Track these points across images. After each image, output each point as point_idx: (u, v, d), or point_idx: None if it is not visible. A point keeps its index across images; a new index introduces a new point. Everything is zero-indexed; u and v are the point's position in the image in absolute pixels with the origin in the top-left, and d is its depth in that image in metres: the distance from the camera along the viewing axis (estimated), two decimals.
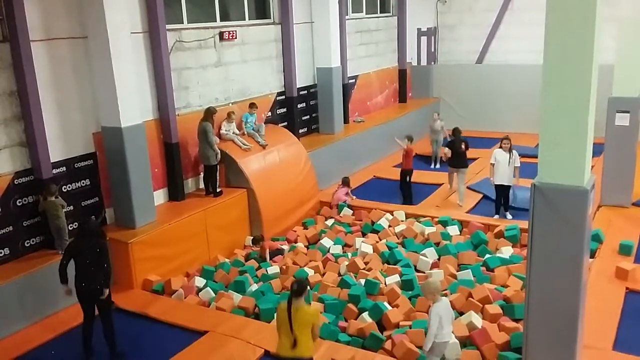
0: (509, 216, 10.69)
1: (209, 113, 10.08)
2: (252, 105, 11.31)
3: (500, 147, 10.55)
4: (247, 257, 9.85)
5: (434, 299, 5.91)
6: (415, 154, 13.43)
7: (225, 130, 10.80)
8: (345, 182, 11.95)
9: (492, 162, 10.61)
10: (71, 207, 8.58)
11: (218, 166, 10.22)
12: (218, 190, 10.22)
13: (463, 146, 11.57)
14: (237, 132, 11.03)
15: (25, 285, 7.54)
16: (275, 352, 5.57)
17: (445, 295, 7.84)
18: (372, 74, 16.89)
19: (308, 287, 5.77)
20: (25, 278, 7.56)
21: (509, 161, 10.38)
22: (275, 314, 5.60)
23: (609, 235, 9.45)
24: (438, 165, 14.36)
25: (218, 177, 10.29)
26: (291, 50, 12.74)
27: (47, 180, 8.01)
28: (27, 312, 7.58)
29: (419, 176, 13.23)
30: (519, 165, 10.47)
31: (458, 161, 11.62)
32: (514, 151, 10.48)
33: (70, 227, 8.56)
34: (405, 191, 11.97)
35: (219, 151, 10.11)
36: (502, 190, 10.64)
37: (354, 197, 11.87)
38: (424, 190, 12.45)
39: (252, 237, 10.19)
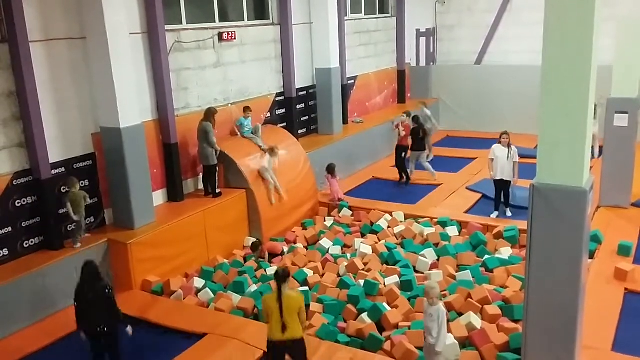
0: (509, 213, 10.65)
1: (210, 113, 10.09)
2: (247, 109, 11.24)
3: (499, 142, 10.52)
4: (246, 259, 9.84)
5: (433, 303, 5.86)
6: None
7: (266, 166, 10.57)
8: (332, 168, 11.97)
9: (491, 157, 10.58)
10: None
11: (217, 167, 10.21)
12: (217, 191, 10.21)
13: (422, 132, 13.03)
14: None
15: (24, 286, 7.52)
16: (268, 337, 5.88)
17: (445, 296, 7.87)
18: (371, 74, 16.91)
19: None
20: (24, 279, 7.54)
21: (508, 156, 10.35)
22: (266, 308, 5.88)
23: (608, 236, 9.46)
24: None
25: (217, 178, 10.29)
26: (290, 51, 12.75)
27: (46, 180, 8.01)
28: (26, 313, 7.56)
29: (417, 176, 13.23)
30: (517, 160, 10.43)
31: (419, 145, 13.08)
32: (512, 146, 10.44)
33: (69, 227, 8.58)
34: (401, 168, 12.35)
35: (219, 149, 10.12)
36: (502, 186, 10.60)
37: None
38: (422, 190, 12.45)
39: (251, 242, 10.11)
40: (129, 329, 6.48)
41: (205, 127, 9.97)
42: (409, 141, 12.86)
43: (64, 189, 8.37)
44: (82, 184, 8.71)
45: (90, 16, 8.27)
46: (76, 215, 8.29)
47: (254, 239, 10.14)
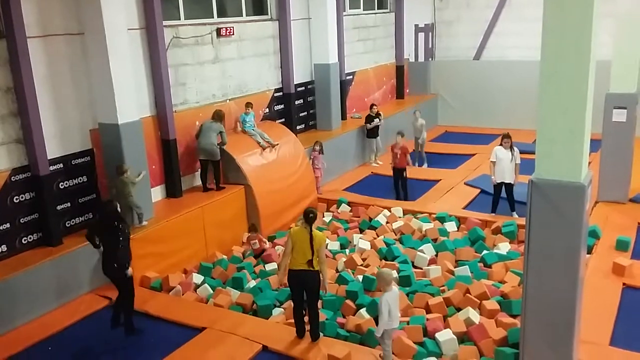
0: (516, 215, 10.33)
1: (220, 115, 10.25)
2: (248, 105, 11.28)
3: (501, 144, 10.33)
4: (245, 255, 9.84)
5: (385, 289, 6.11)
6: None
7: None
8: (321, 145, 12.15)
9: (493, 159, 10.35)
10: (68, 204, 8.58)
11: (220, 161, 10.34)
12: (221, 185, 10.34)
13: (376, 121, 14.16)
14: None
15: (21, 282, 7.49)
16: (289, 268, 6.79)
17: (443, 291, 7.89)
18: (370, 70, 16.89)
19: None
20: (22, 275, 7.52)
21: (511, 159, 10.18)
22: (293, 240, 6.68)
23: (606, 231, 9.47)
24: (425, 165, 14.28)
25: (220, 172, 10.38)
26: (288, 46, 12.72)
27: (44, 176, 8.00)
28: (22, 310, 7.54)
29: (414, 172, 13.23)
30: (519, 162, 10.24)
31: (373, 133, 14.28)
32: (515, 148, 10.26)
33: (68, 224, 8.59)
34: (397, 189, 12.04)
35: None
36: (501, 188, 10.41)
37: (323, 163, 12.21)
38: (420, 186, 12.47)
39: (250, 224, 10.20)
40: (130, 270, 7.12)
41: (219, 128, 10.14)
42: (405, 162, 11.98)
43: (125, 176, 8.57)
44: (80, 180, 8.72)
45: (88, 12, 8.25)
46: (125, 200, 8.51)
47: (251, 248, 10.09)
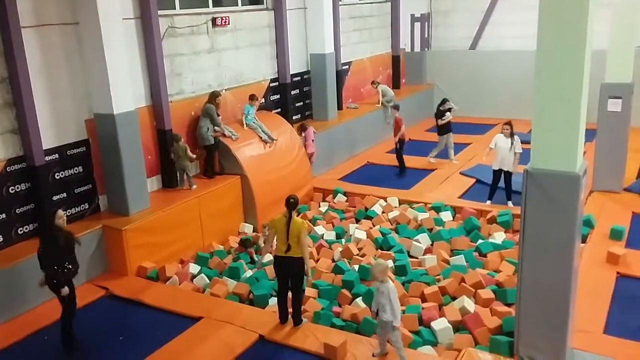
0: (510, 204, 10.37)
1: (213, 96, 10.35)
2: (253, 97, 11.24)
3: (502, 132, 10.34)
4: (235, 258, 9.51)
5: (383, 279, 6.11)
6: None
7: None
8: (303, 124, 12.40)
9: (491, 146, 10.36)
10: (64, 194, 8.57)
11: (214, 147, 10.38)
12: (214, 174, 10.41)
13: (448, 115, 13.26)
14: None
15: (17, 273, 7.51)
16: (274, 254, 7.07)
17: (439, 280, 7.94)
18: (366, 60, 16.84)
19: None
20: (19, 266, 7.52)
21: (510, 147, 10.18)
22: (274, 229, 6.87)
23: (600, 220, 9.52)
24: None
25: (214, 160, 10.41)
26: (284, 36, 12.68)
27: (39, 167, 8.00)
28: (20, 299, 7.56)
29: (411, 161, 13.25)
30: (520, 151, 10.18)
31: (446, 129, 13.32)
32: (515, 137, 10.24)
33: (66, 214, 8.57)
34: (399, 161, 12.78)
35: (221, 128, 10.46)
36: (500, 176, 10.44)
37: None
38: (416, 176, 12.48)
39: (240, 239, 9.78)
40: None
41: (208, 109, 10.19)
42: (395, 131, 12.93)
43: (181, 143, 9.69)
44: (75, 170, 8.71)
45: (82, 1, 8.18)
46: (181, 164, 9.66)
47: (245, 235, 10.03)
